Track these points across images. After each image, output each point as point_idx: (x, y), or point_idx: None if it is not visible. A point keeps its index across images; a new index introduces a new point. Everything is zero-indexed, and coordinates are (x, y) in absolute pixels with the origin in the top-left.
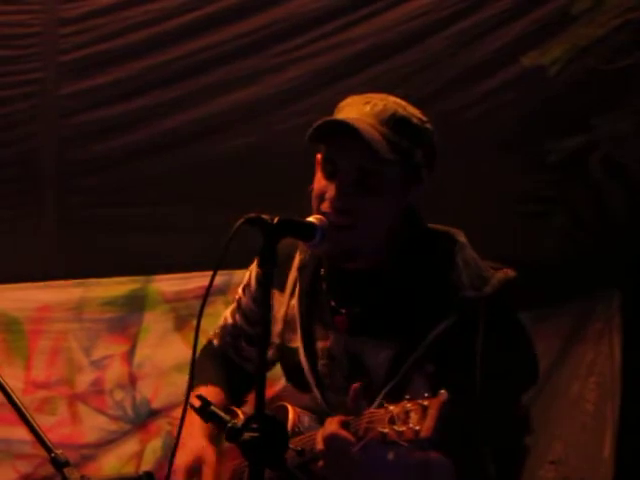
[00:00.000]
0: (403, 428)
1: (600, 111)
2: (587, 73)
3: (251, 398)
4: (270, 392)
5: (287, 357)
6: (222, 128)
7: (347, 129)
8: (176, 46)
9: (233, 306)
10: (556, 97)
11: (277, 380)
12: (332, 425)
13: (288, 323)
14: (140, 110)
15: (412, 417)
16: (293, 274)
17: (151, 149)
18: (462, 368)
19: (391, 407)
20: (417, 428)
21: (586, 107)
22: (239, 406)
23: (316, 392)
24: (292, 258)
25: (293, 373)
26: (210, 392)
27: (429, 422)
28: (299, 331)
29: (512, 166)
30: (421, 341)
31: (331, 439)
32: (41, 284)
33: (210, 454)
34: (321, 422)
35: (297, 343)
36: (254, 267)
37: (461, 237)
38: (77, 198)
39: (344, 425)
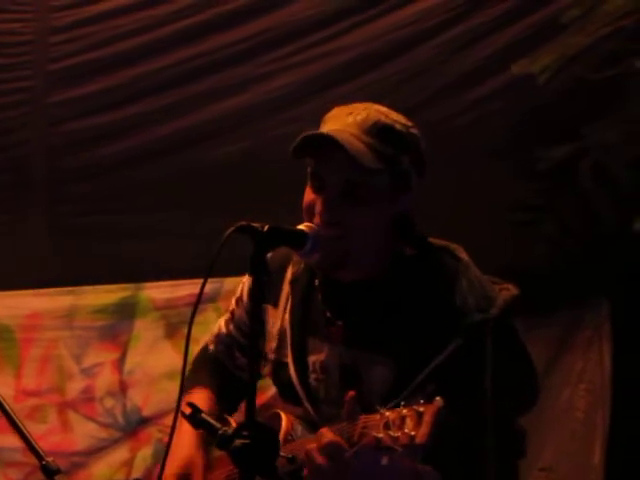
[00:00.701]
0: (398, 434)
1: (589, 119)
2: (576, 82)
3: (243, 406)
4: (261, 400)
5: (279, 372)
6: (213, 135)
7: (329, 142)
8: (167, 54)
9: (227, 316)
10: (545, 105)
11: (268, 388)
12: (327, 433)
13: (282, 338)
14: (131, 118)
15: (407, 423)
16: (286, 288)
17: (142, 156)
18: (468, 392)
19: (387, 413)
20: (412, 434)
21: (575, 115)
22: (231, 413)
23: (307, 406)
24: (284, 272)
25: (285, 388)
26: (203, 396)
27: (424, 428)
28: (289, 345)
29: (502, 174)
30: (425, 364)
31: (326, 446)
32: (32, 291)
33: (199, 462)
34: (314, 431)
35: (288, 358)
36: (246, 279)
37: (463, 254)
38: (68, 205)
39: (337, 431)
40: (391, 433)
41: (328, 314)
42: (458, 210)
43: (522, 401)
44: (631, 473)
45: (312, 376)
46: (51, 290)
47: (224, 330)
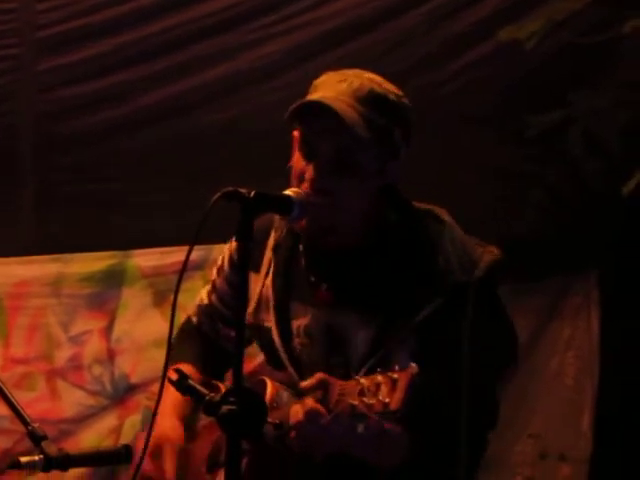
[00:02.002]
0: (373, 401)
1: (578, 85)
2: (564, 47)
3: (229, 375)
4: (248, 367)
5: (262, 337)
6: (201, 103)
7: (325, 109)
8: (154, 21)
9: (209, 287)
10: (534, 71)
11: (255, 356)
12: (308, 400)
13: (262, 303)
14: (119, 85)
15: (382, 389)
16: (268, 254)
17: (130, 125)
18: (447, 351)
19: (362, 380)
20: (386, 400)
21: (564, 81)
22: None
23: (291, 370)
24: (267, 239)
25: (268, 352)
26: (187, 370)
27: (398, 394)
28: (272, 310)
29: (490, 141)
30: (406, 322)
31: (307, 415)
32: (19, 259)
33: (176, 433)
34: (299, 397)
35: (271, 322)
36: (227, 249)
37: (446, 216)
38: (56, 174)
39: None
40: (365, 400)
41: (312, 278)
42: (446, 177)
43: (500, 367)
44: (620, 439)
45: (296, 340)
46: (38, 258)
47: (206, 301)
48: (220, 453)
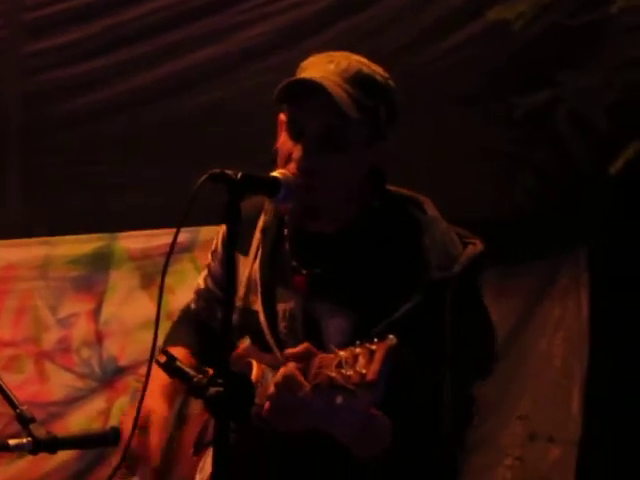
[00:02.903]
0: (350, 372)
1: (566, 66)
2: (552, 28)
3: None
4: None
5: (249, 319)
6: (189, 85)
7: (314, 88)
8: (142, 3)
9: (205, 272)
10: (522, 52)
11: (245, 339)
12: (288, 367)
13: (250, 286)
14: (106, 68)
15: (360, 361)
16: (257, 237)
17: (117, 107)
18: (427, 347)
19: (340, 352)
20: (363, 372)
21: (552, 62)
22: None
23: (277, 352)
24: (256, 221)
25: (255, 335)
26: (180, 353)
27: (375, 365)
28: (259, 293)
29: (478, 121)
30: (383, 318)
31: (284, 378)
32: (6, 242)
33: (162, 410)
34: None
35: (258, 305)
36: (220, 231)
37: (430, 207)
38: (43, 156)
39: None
40: (343, 372)
41: (294, 263)
42: (434, 158)
43: (478, 366)
44: (609, 420)
45: (282, 324)
46: (26, 241)
47: (202, 285)
48: (206, 434)
